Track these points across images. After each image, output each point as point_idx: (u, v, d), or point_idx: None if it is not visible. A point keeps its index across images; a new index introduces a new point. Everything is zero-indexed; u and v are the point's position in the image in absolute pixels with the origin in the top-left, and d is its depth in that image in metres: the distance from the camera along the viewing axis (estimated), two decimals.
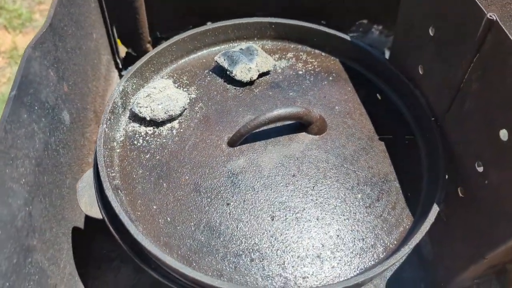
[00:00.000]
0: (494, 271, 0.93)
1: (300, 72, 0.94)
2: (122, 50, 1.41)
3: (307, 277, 0.68)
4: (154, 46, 1.36)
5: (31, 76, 0.75)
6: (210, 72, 0.93)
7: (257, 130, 0.79)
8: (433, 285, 1.00)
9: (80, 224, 0.98)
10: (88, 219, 1.02)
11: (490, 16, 0.65)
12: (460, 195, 0.81)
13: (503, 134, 0.65)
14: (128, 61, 1.38)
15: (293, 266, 0.68)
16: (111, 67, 1.32)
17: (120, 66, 1.39)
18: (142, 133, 0.83)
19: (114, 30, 1.29)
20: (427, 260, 1.02)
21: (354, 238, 0.72)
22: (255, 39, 1.01)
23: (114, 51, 1.33)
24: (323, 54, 1.00)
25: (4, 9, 2.83)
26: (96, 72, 1.13)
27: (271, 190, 0.75)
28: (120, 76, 1.37)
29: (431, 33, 0.80)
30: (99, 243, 1.06)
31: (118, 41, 1.36)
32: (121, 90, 0.84)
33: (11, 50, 2.68)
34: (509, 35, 0.61)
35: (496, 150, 0.67)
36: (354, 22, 1.40)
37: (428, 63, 0.83)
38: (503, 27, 0.62)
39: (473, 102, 0.71)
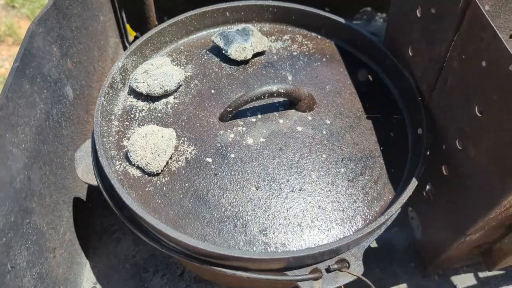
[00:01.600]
0: (480, 252, 0.95)
1: (295, 53, 0.97)
2: (131, 34, 1.46)
3: (286, 244, 0.71)
4: None
5: (34, 50, 0.80)
6: (207, 52, 0.97)
7: (247, 106, 0.83)
8: (424, 267, 1.02)
9: (83, 196, 1.03)
10: (90, 192, 1.07)
11: None
12: (444, 173, 0.83)
13: (478, 109, 0.67)
14: None
15: (274, 233, 0.72)
16: (119, 49, 1.36)
17: None
18: (139, 107, 0.87)
19: (123, 14, 1.34)
20: (418, 241, 1.04)
21: (335, 209, 0.74)
22: (253, 21, 1.04)
23: (122, 34, 1.37)
24: (319, 37, 1.02)
25: (28, 0, 2.91)
26: (102, 53, 1.18)
27: (257, 162, 0.78)
28: None
29: (418, 14, 0.82)
30: (101, 217, 1.11)
31: (127, 25, 1.41)
32: (120, 66, 0.88)
33: None
34: (484, 12, 0.63)
35: (473, 125, 0.69)
36: (358, 10, 1.42)
37: (416, 44, 0.85)
38: (479, 5, 0.64)
39: (454, 80, 0.73)
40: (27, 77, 0.77)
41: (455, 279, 1.06)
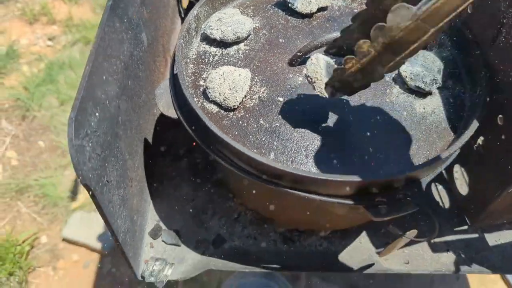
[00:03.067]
0: None
1: (356, 11, 1.02)
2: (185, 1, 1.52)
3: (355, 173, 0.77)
4: None
5: None
6: (273, 6, 1.03)
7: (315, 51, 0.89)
8: (469, 221, 1.07)
9: (150, 139, 1.10)
10: (155, 138, 1.15)
11: None
12: (499, 123, 0.88)
13: None
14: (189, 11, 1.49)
15: (345, 164, 0.77)
16: (176, 13, 1.43)
17: (182, 15, 1.50)
18: (212, 53, 0.93)
19: None
20: (463, 199, 1.09)
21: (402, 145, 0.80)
22: None
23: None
24: None
25: None
26: (165, 11, 1.25)
27: (325, 106, 0.84)
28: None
29: None
30: (161, 166, 1.19)
31: None
32: (195, 14, 0.95)
33: (66, 20, 2.85)
34: None
35: None
36: None
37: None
38: None
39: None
40: (117, 16, 0.84)
41: (498, 234, 1.10)
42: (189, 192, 1.15)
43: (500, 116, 0.88)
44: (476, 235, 1.10)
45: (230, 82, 0.82)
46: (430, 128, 0.83)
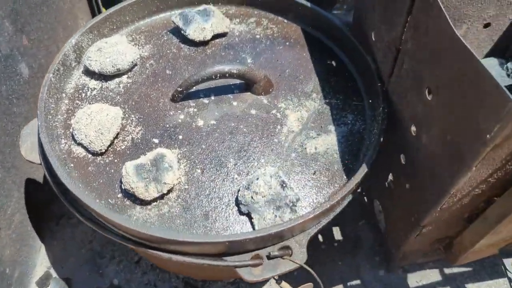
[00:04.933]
0: (442, 246, 0.92)
1: (258, 36, 0.94)
2: None
3: (228, 228, 0.68)
4: None
5: None
6: (168, 33, 0.94)
7: (200, 87, 0.80)
8: (388, 261, 1.00)
9: (39, 178, 1.00)
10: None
11: None
12: (402, 162, 0.80)
13: (429, 92, 0.65)
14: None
15: (215, 217, 0.69)
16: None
17: None
18: (91, 86, 0.84)
19: None
20: (382, 233, 1.01)
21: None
22: (219, 3, 1.01)
23: (95, 16, 1.34)
24: (285, 21, 0.99)
25: None
26: (69, 33, 1.15)
27: (206, 145, 0.76)
28: None
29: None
30: (59, 202, 1.09)
31: (103, 9, 1.38)
32: (73, 43, 0.86)
33: None
34: None
35: (424, 109, 0.67)
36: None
37: (377, 28, 0.82)
38: None
39: (408, 62, 0.71)
40: None
41: (420, 274, 1.03)
42: (87, 233, 1.05)
43: (402, 155, 0.80)
44: (396, 276, 1.03)
45: (96, 123, 0.74)
46: (320, 172, 0.75)
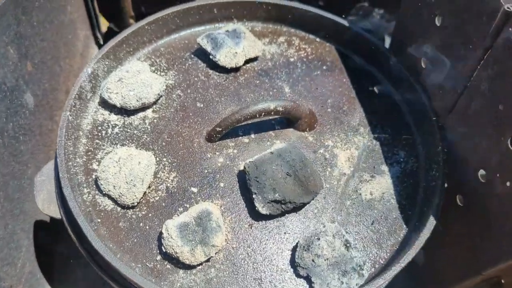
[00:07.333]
0: (489, 284, 0.87)
1: (292, 60, 0.86)
2: (104, 25, 1.31)
3: None
4: (137, 21, 1.26)
5: None
6: (192, 56, 0.84)
7: (239, 125, 0.71)
8: None
9: (45, 218, 0.90)
10: None
11: (508, 8, 0.57)
12: (459, 204, 0.74)
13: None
14: (110, 36, 1.28)
15: (270, 281, 0.61)
16: (90, 42, 1.22)
17: (101, 42, 1.29)
18: (112, 122, 0.74)
19: (95, 3, 1.19)
20: (417, 265, 0.95)
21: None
22: (244, 20, 0.92)
23: (94, 26, 1.23)
24: (317, 40, 0.91)
25: None
26: (70, 48, 1.04)
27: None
28: None
29: (437, 23, 0.71)
30: (68, 239, 0.99)
31: (101, 15, 1.27)
32: (89, 72, 0.75)
33: None
34: None
35: (504, 158, 0.60)
36: (354, 5, 1.30)
37: (432, 56, 0.75)
38: None
39: (481, 104, 0.63)
40: None
41: None
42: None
43: (460, 196, 0.73)
44: None
45: (127, 173, 0.64)
46: (379, 221, 0.68)
